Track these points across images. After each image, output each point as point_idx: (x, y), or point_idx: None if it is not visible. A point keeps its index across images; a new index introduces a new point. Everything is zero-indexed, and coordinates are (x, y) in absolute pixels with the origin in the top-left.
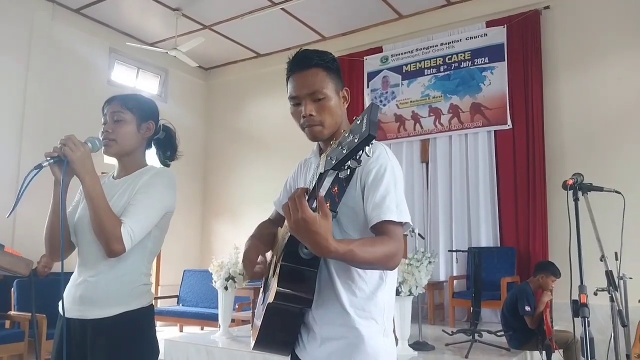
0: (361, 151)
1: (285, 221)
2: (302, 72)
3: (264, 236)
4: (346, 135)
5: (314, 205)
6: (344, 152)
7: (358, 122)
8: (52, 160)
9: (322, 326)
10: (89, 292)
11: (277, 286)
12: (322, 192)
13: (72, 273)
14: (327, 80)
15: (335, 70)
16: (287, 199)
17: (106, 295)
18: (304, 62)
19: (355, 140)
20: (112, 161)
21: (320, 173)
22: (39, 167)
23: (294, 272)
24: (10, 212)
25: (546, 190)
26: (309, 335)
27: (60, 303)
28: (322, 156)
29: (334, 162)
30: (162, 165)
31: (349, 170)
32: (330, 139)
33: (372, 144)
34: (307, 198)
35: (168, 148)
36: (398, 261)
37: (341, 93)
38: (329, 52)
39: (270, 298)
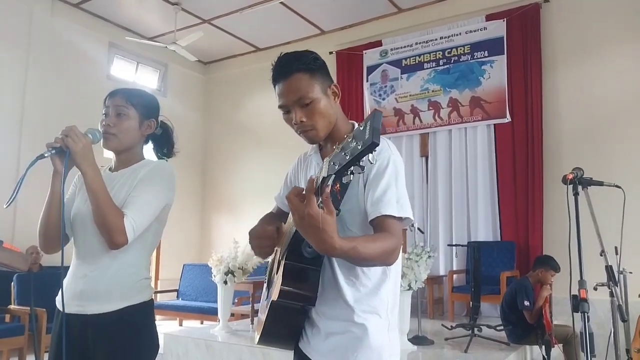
0: (364, 158)
1: (290, 216)
2: (285, 80)
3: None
4: (349, 140)
5: (319, 202)
6: (347, 158)
7: (361, 129)
8: (53, 151)
9: (326, 321)
10: (90, 287)
11: (281, 285)
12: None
13: (65, 267)
14: (311, 83)
15: (318, 70)
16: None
17: (108, 289)
18: (285, 69)
19: (359, 147)
20: (110, 154)
21: (324, 177)
22: (41, 156)
23: (298, 270)
24: (9, 202)
25: (545, 184)
26: (313, 330)
27: (58, 298)
28: (324, 160)
29: (337, 167)
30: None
31: (352, 175)
32: (328, 138)
33: (375, 151)
34: None
35: (165, 144)
36: (396, 257)
37: (329, 90)
38: (309, 51)
39: (274, 296)
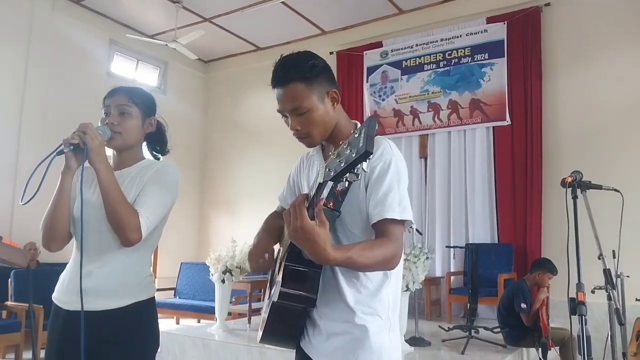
0: (359, 165)
1: None
2: (282, 88)
3: (272, 230)
4: (345, 147)
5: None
6: (342, 165)
7: (356, 136)
8: (72, 147)
9: (327, 322)
10: (96, 284)
11: (281, 286)
12: (325, 193)
13: (63, 264)
14: (307, 92)
15: (317, 77)
16: (290, 199)
17: (115, 286)
18: (281, 78)
19: (353, 155)
20: (108, 152)
21: (320, 183)
22: (60, 152)
23: (298, 272)
24: (29, 200)
25: (543, 186)
26: (314, 330)
27: (55, 296)
28: (322, 166)
29: (332, 174)
30: (153, 158)
31: (347, 183)
32: (330, 138)
33: (369, 159)
34: (307, 205)
35: (158, 142)
36: (397, 262)
37: (327, 97)
38: (308, 56)
39: (275, 297)
